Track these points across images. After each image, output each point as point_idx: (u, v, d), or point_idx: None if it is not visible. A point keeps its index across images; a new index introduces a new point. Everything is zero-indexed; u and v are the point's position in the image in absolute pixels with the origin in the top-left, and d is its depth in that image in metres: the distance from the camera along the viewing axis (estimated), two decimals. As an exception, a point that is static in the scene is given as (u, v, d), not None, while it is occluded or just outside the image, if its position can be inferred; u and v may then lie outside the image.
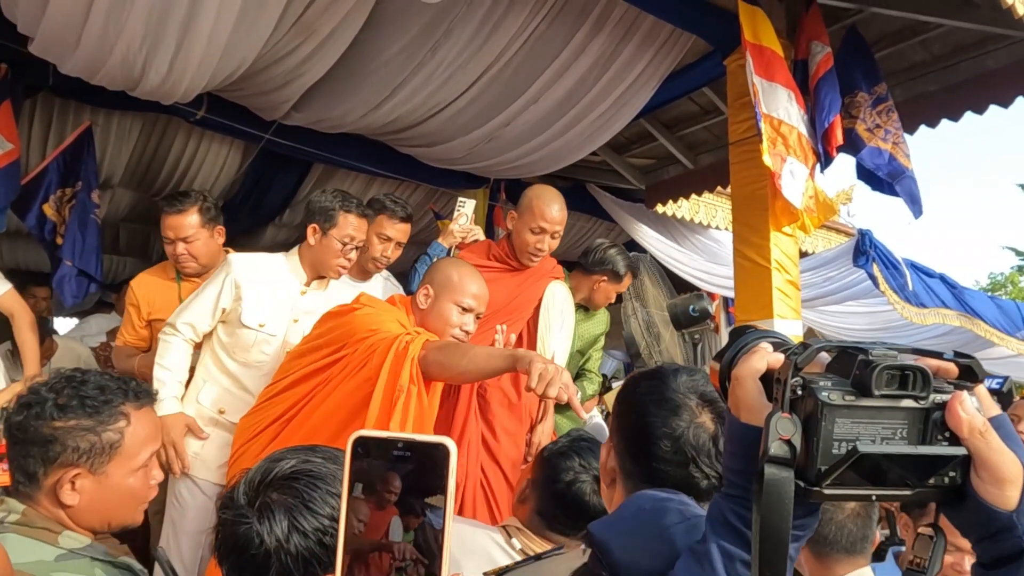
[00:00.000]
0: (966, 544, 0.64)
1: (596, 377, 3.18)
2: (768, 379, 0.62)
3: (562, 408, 2.79)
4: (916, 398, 0.55)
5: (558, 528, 1.46)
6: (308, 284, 2.41)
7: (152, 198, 5.18)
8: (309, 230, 2.35)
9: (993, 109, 3.53)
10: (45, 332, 3.51)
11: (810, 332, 6.25)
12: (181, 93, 3.12)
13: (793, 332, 3.23)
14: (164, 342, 2.29)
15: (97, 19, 2.64)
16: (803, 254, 4.05)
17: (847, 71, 3.30)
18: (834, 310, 5.06)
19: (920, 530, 0.60)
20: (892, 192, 3.28)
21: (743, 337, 0.68)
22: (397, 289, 3.10)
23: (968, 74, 3.65)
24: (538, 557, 1.04)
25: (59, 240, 3.55)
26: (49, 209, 3.51)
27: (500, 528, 1.47)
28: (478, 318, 2.12)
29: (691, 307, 3.63)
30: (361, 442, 0.49)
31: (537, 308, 2.63)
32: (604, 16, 3.40)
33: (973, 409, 0.55)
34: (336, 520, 0.94)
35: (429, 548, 0.48)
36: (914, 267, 4.11)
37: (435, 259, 2.92)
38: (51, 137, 4.07)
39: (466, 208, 3.14)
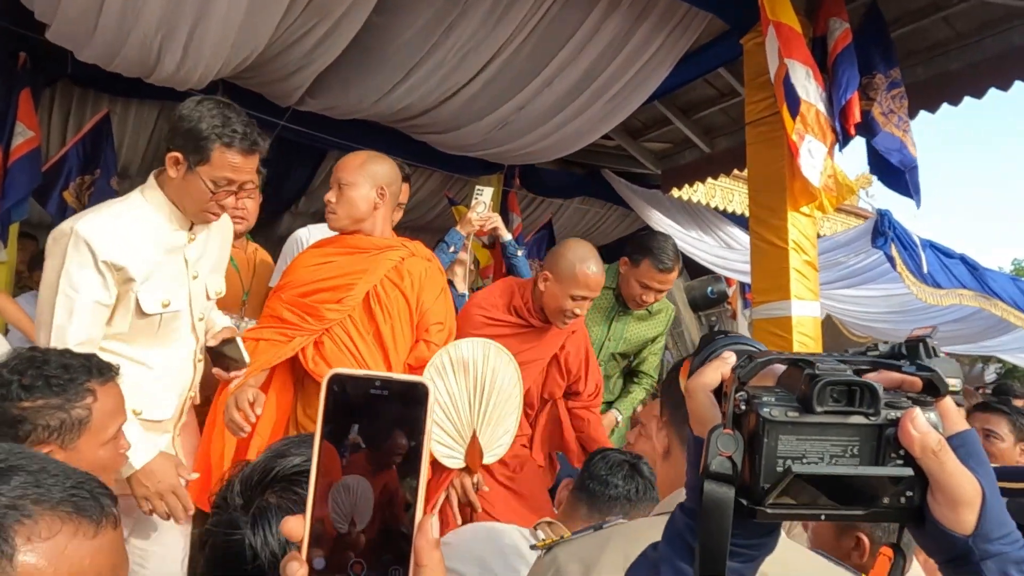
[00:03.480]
0: None
1: (648, 378, 2.93)
2: (722, 392, 0.59)
3: None
4: (866, 414, 0.52)
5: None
6: (192, 228, 1.83)
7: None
8: (169, 159, 1.71)
9: (1018, 88, 3.46)
10: None
11: (828, 319, 6.19)
12: (196, 79, 3.14)
13: (811, 313, 3.20)
14: None
15: (113, 5, 2.67)
16: (819, 237, 3.99)
17: (866, 51, 3.24)
18: (851, 294, 5.00)
19: (882, 550, 0.58)
20: (899, 186, 3.24)
21: (712, 344, 0.64)
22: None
23: (993, 51, 3.57)
24: (598, 527, 1.00)
25: (79, 227, 3.59)
26: (69, 196, 3.56)
27: (533, 528, 1.47)
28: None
29: (709, 289, 3.60)
30: (337, 380, 0.47)
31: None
32: (619, -5, 3.37)
33: (926, 426, 0.51)
34: None
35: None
36: (934, 247, 4.05)
37: (451, 246, 2.86)
38: (70, 125, 4.13)
39: (483, 196, 3.06)
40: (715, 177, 5.20)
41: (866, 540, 1.30)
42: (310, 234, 2.68)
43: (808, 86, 2.89)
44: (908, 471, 0.51)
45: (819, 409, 0.51)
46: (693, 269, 5.03)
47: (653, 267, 2.64)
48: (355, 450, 0.47)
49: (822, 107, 2.93)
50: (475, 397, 2.05)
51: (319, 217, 2.42)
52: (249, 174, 1.76)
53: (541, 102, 3.94)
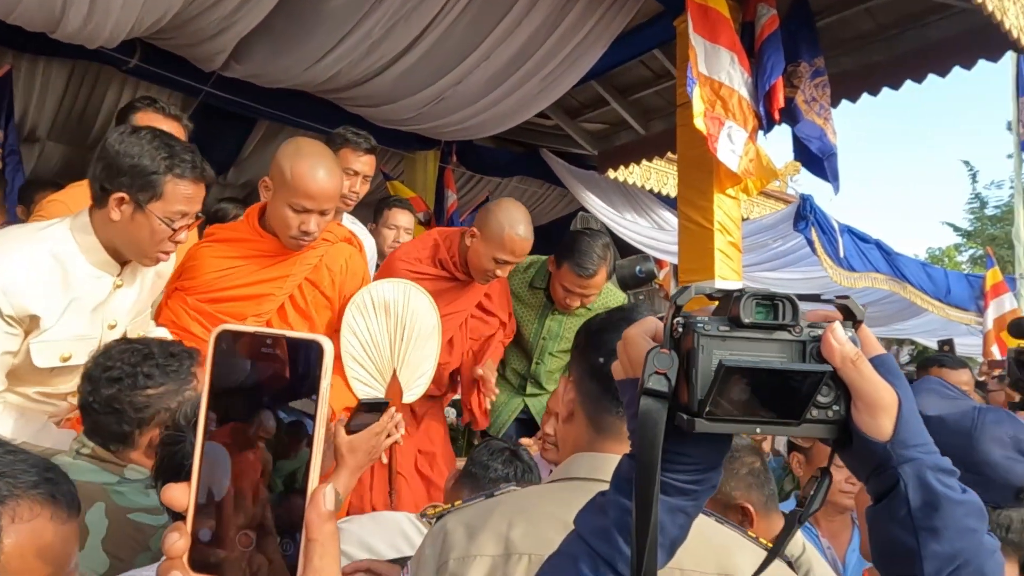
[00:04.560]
0: None
1: None
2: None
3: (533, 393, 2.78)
4: (789, 328, 0.56)
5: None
6: (122, 272, 1.69)
7: (87, 153, 4.94)
8: (112, 200, 1.56)
9: (943, 84, 3.62)
10: None
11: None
12: (106, 37, 2.96)
13: (733, 294, 3.29)
14: None
15: (9, -50, 2.47)
16: (745, 220, 4.11)
17: (792, 39, 3.32)
18: (773, 277, 5.20)
19: (813, 473, 0.62)
20: (819, 172, 3.36)
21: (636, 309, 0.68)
22: (366, 237, 2.96)
23: (911, 44, 3.73)
24: (490, 494, 1.01)
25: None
26: (-34, 157, 3.31)
27: (420, 513, 1.48)
28: (324, 215, 1.88)
29: (637, 268, 3.68)
30: (225, 337, 0.44)
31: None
32: (554, -29, 3.34)
33: (845, 338, 0.55)
34: None
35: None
36: (851, 232, 4.25)
37: None
38: (-32, 82, 3.82)
39: None
40: (649, 159, 5.27)
41: (752, 509, 1.36)
42: None
43: (732, 71, 2.94)
44: (827, 367, 0.55)
45: (746, 321, 0.55)
46: (626, 251, 5.10)
47: (572, 271, 2.49)
48: (245, 414, 0.43)
49: (745, 92, 2.99)
50: (395, 337, 2.05)
51: (249, 189, 2.32)
52: (199, 203, 1.66)
53: (477, 78, 3.89)
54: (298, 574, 0.43)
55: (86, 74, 4.19)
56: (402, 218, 3.44)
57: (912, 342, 9.08)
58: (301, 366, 0.44)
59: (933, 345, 7.98)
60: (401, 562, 1.18)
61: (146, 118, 2.22)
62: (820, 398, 0.56)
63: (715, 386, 0.53)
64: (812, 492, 0.60)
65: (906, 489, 0.54)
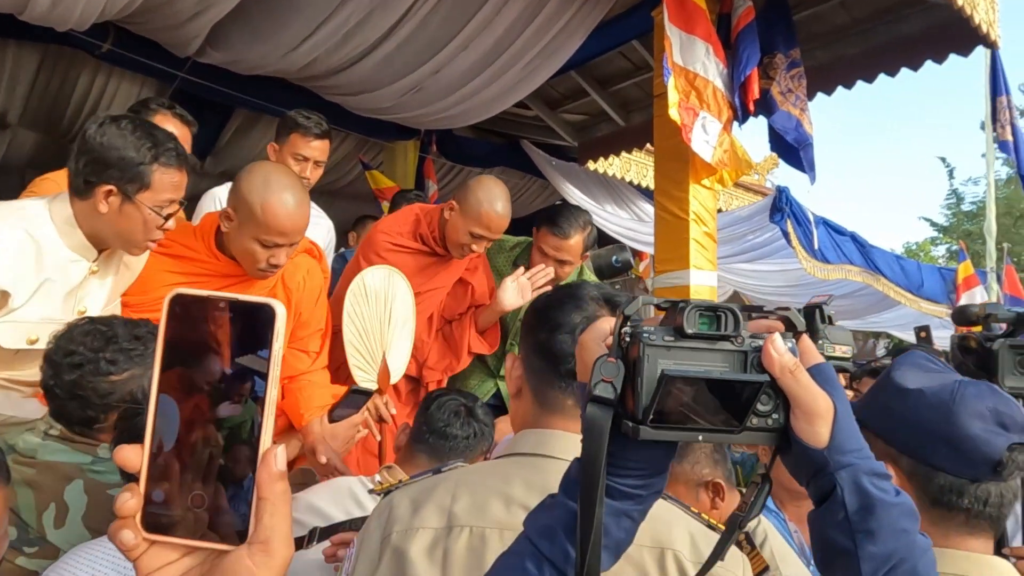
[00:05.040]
0: None
1: None
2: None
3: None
4: (731, 339, 0.58)
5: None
6: (98, 259, 1.69)
7: (60, 140, 4.86)
8: (99, 193, 1.56)
9: (926, 81, 3.68)
10: None
11: (735, 295, 6.46)
12: (76, 19, 2.90)
13: (708, 283, 3.33)
14: None
15: (-26, -71, 2.42)
16: (721, 212, 4.13)
17: (768, 31, 3.34)
18: (750, 268, 5.25)
19: (753, 479, 0.63)
20: (795, 162, 3.39)
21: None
22: (322, 218, 2.93)
23: (886, 38, 3.78)
24: (437, 471, 1.02)
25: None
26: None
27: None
28: (293, 246, 1.83)
29: (614, 258, 3.70)
30: (179, 301, 0.44)
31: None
32: (532, -39, 3.33)
33: (783, 348, 0.57)
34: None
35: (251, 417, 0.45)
36: (826, 224, 4.31)
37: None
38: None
39: None
40: (628, 151, 5.29)
41: (723, 484, 1.38)
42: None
43: (707, 62, 2.96)
44: (764, 377, 0.57)
45: (689, 331, 0.57)
46: (606, 242, 5.13)
47: (549, 231, 2.55)
48: (197, 376, 0.44)
49: (720, 83, 3.01)
50: (384, 321, 2.12)
51: (227, 178, 2.28)
52: (183, 190, 1.67)
53: (455, 67, 3.87)
54: (249, 533, 0.44)
55: (58, 59, 4.11)
56: None
57: (888, 335, 9.22)
58: (253, 328, 0.45)
59: (909, 338, 8.11)
60: (355, 523, 1.18)
61: (163, 120, 2.24)
62: (760, 407, 0.57)
63: (658, 394, 0.54)
64: (752, 498, 0.61)
65: (843, 494, 0.56)
